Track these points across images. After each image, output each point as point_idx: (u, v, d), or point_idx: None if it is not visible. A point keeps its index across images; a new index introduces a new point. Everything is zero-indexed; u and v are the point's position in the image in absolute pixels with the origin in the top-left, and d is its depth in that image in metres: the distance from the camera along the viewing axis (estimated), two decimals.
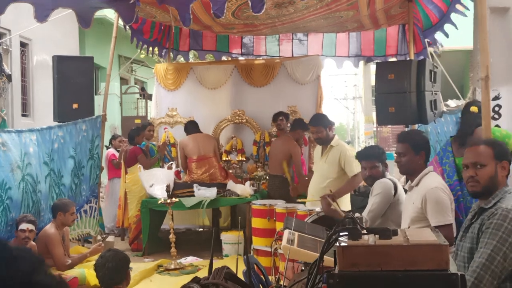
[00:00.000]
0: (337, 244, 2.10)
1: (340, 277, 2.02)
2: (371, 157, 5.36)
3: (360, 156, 5.51)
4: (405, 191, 4.87)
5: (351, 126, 49.95)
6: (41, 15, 6.29)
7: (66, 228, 7.10)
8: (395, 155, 4.78)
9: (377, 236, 2.15)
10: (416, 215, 4.22)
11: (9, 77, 7.54)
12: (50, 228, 6.79)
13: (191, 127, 9.68)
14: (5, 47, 7.95)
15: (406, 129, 8.42)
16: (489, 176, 3.28)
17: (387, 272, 1.99)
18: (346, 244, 2.08)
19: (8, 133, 6.63)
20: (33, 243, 6.35)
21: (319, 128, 6.73)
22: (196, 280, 1.80)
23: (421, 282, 1.95)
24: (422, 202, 4.16)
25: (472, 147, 3.44)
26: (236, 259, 3.46)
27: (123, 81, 17.97)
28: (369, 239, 2.15)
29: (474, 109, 6.15)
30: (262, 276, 3.74)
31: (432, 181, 4.27)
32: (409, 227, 3.98)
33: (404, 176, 4.87)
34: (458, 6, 7.33)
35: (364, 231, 2.18)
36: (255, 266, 3.73)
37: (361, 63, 12.82)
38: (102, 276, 4.25)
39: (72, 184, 7.94)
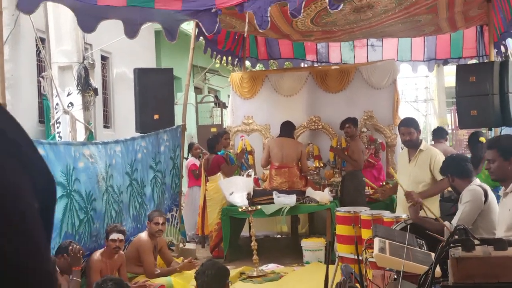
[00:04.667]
0: (451, 255, 2.09)
1: None
2: (444, 171, 5.47)
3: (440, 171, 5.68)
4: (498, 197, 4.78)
5: (423, 129, 49.08)
6: (131, 31, 6.54)
7: (162, 239, 7.25)
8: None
9: (490, 247, 2.14)
10: None
11: (95, 91, 7.81)
12: (144, 235, 7.01)
13: (284, 129, 9.58)
14: (91, 62, 8.23)
15: (483, 131, 8.35)
16: None
17: (505, 284, 1.97)
18: (460, 256, 2.07)
19: (95, 145, 6.86)
20: (122, 252, 6.54)
21: (410, 130, 6.65)
22: None
23: None
24: None
25: None
26: (335, 268, 3.48)
27: (197, 90, 18.26)
28: (482, 250, 2.13)
29: (482, 139, 7.19)
30: (357, 285, 3.75)
31: None
32: None
33: None
34: None
35: (477, 242, 2.17)
36: (351, 275, 3.74)
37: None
38: (201, 284, 4.31)
39: (153, 194, 8.13)
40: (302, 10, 6.58)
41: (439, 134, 9.51)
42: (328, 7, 6.14)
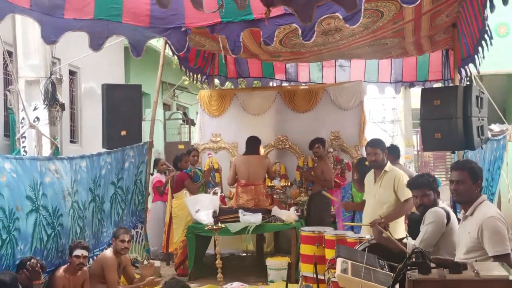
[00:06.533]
0: (408, 277, 2.13)
1: None
2: (422, 185, 5.31)
3: (411, 185, 5.48)
4: (458, 220, 4.85)
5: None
6: (96, 44, 6.52)
7: (126, 257, 7.19)
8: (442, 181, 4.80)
9: (446, 270, 2.18)
10: (472, 245, 4.19)
11: (62, 106, 7.76)
12: (108, 252, 6.96)
13: (249, 145, 9.60)
14: (58, 77, 8.18)
15: (448, 154, 8.46)
16: None
17: None
18: (417, 278, 2.10)
19: (60, 160, 6.79)
20: (86, 269, 6.48)
21: (376, 150, 6.74)
22: None
23: None
24: (479, 232, 4.13)
25: None
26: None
27: (166, 106, 18.21)
28: (438, 272, 2.17)
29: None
30: None
31: (488, 210, 4.25)
32: (476, 260, 3.91)
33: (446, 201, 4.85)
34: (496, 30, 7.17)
35: (434, 265, 2.22)
36: None
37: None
38: None
39: (112, 210, 8.05)
40: (274, 38, 6.67)
41: (394, 154, 9.45)
42: (301, 38, 6.23)
